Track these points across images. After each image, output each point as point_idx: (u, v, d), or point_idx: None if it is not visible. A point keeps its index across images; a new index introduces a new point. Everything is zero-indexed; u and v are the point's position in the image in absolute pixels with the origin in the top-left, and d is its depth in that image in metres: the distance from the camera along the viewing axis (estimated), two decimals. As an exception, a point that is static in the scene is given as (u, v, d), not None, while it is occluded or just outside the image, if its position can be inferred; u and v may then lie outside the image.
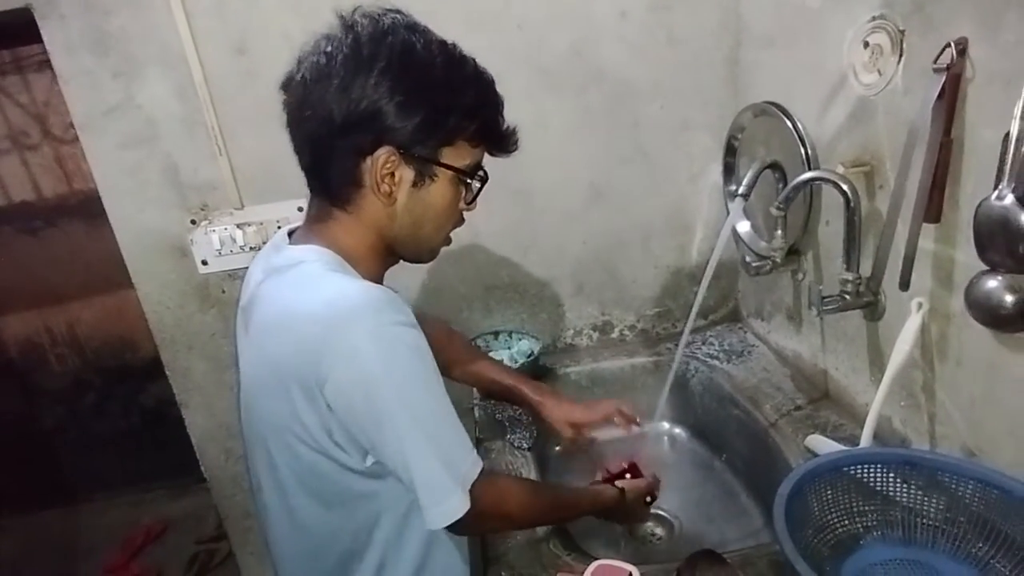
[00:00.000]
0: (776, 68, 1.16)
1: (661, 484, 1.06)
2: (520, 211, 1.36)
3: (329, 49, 0.67)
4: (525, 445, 1.14)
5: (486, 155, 0.77)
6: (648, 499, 1.03)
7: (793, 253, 1.14)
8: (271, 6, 1.16)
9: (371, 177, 0.69)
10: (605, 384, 1.39)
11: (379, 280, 0.78)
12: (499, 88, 0.75)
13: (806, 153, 1.05)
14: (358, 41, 0.66)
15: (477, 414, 1.25)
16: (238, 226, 1.27)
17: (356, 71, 0.65)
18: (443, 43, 0.70)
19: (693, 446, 1.33)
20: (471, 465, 0.71)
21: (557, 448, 1.26)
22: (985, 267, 0.71)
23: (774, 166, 1.10)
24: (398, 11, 0.70)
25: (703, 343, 1.41)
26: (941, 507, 0.77)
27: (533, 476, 1.07)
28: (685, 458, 1.31)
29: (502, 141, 0.76)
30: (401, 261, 0.81)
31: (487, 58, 0.79)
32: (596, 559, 0.80)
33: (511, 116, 0.77)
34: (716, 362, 1.33)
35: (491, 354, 1.31)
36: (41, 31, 1.12)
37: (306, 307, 0.67)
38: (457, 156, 0.72)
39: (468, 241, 1.35)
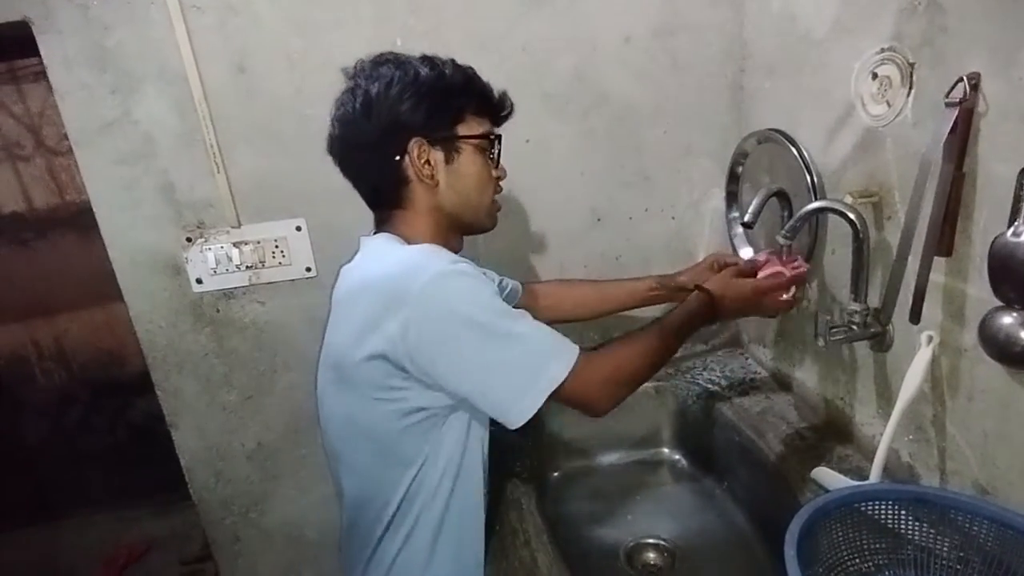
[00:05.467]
0: (781, 96, 1.16)
1: (797, 275, 1.00)
2: (521, 233, 1.35)
3: (345, 100, 0.86)
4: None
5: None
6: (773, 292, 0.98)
7: (797, 281, 1.13)
8: (273, 25, 1.15)
9: (413, 169, 0.86)
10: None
11: None
12: None
13: (812, 181, 1.04)
14: (362, 83, 0.85)
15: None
16: (235, 244, 1.25)
17: (368, 101, 0.84)
18: (424, 56, 0.88)
19: (693, 473, 1.31)
20: (561, 364, 0.79)
21: (555, 474, 1.24)
22: (999, 303, 0.70)
23: (779, 194, 1.09)
24: (388, 52, 0.88)
25: (704, 368, 1.39)
26: (955, 546, 0.75)
27: (532, 503, 1.04)
28: (685, 486, 1.29)
29: (497, 104, 0.91)
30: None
31: (491, 81, 0.86)
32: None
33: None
34: (717, 388, 1.31)
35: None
36: (39, 45, 1.10)
37: (378, 272, 0.82)
38: (469, 129, 0.88)
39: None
